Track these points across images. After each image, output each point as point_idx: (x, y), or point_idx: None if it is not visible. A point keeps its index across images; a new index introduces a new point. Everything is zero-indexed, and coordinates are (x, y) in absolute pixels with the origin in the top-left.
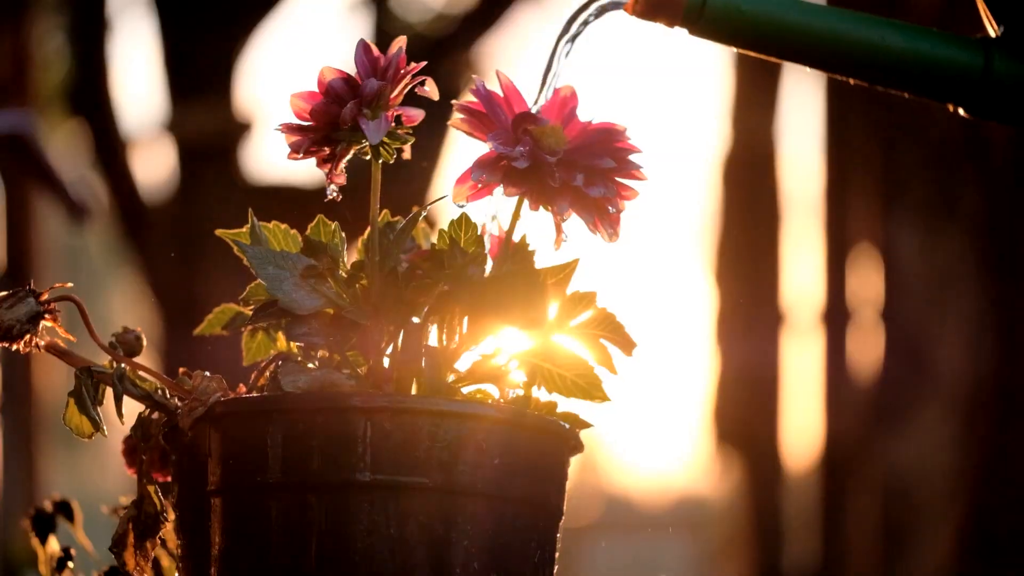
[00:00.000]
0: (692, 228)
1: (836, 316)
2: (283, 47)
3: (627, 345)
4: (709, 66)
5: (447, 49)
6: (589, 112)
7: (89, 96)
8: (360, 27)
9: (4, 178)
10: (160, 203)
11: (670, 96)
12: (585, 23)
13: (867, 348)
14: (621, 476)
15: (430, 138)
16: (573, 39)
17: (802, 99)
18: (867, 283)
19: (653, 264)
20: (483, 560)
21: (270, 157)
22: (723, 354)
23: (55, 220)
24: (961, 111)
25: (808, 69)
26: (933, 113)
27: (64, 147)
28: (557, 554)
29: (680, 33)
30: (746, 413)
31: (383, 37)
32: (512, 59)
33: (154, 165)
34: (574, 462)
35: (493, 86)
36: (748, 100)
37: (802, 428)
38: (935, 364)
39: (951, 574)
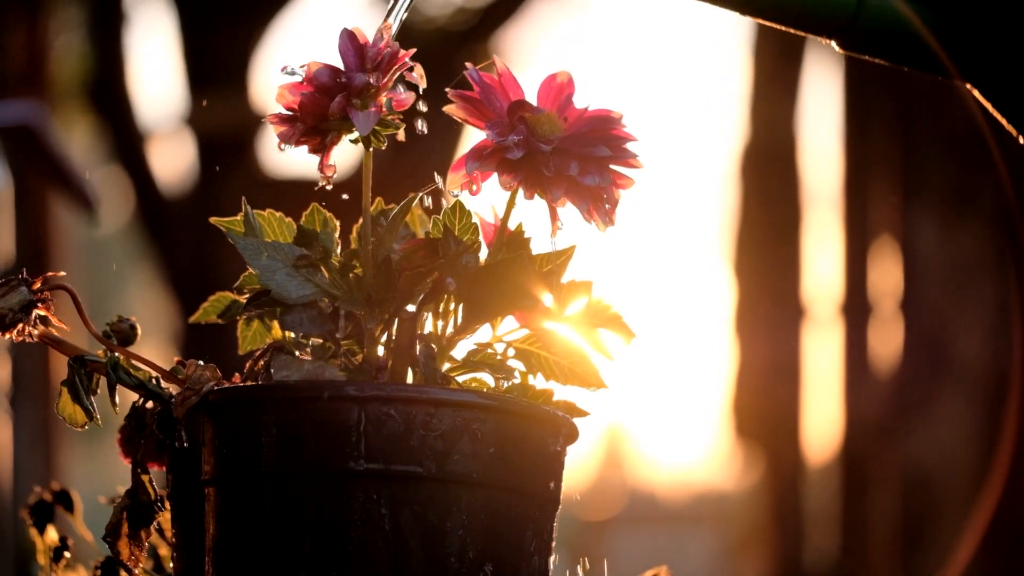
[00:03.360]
0: (712, 220)
1: (856, 308)
2: (302, 39)
3: (625, 334)
4: (728, 57)
5: (467, 41)
6: (585, 99)
7: (107, 90)
8: (379, 19)
9: (13, 169)
10: (178, 196)
11: (690, 88)
12: None
13: (887, 340)
14: (643, 470)
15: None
16: None
17: (822, 90)
18: (887, 275)
19: (673, 256)
20: (478, 549)
21: (288, 149)
22: (743, 347)
23: (66, 212)
24: (836, 46)
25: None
26: (953, 104)
27: (78, 140)
28: (554, 543)
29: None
30: (766, 406)
31: (403, 29)
32: (532, 51)
33: (172, 158)
34: (596, 456)
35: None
36: (767, 91)
37: (822, 421)
38: (955, 356)
39: (971, 567)
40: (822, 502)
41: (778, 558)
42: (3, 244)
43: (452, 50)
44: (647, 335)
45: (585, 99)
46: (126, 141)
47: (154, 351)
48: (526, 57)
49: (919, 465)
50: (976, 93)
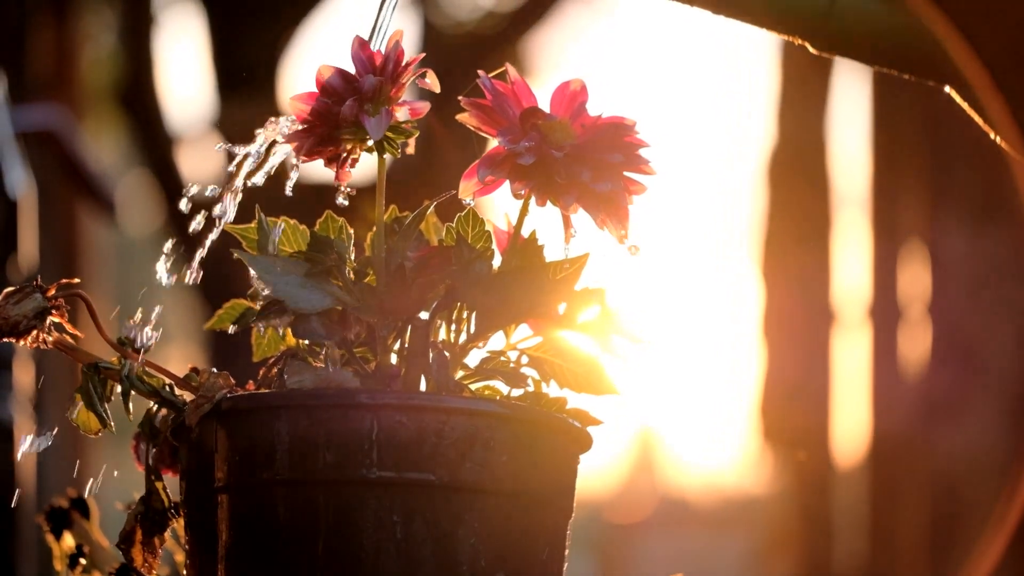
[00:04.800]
0: (740, 224)
1: (885, 312)
2: (330, 41)
3: (636, 340)
4: (757, 61)
5: (497, 46)
6: (599, 106)
7: (136, 94)
8: (408, 22)
9: (36, 175)
10: (208, 199)
11: (718, 91)
12: None
13: (916, 344)
14: (674, 474)
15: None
16: None
17: (850, 94)
18: (916, 279)
19: (701, 260)
20: (490, 557)
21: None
22: (772, 351)
23: (90, 218)
24: (809, 47)
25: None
26: None
27: (107, 144)
28: (567, 551)
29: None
30: (795, 410)
31: (431, 32)
32: (561, 55)
33: (201, 162)
34: (628, 460)
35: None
36: (796, 95)
37: (851, 425)
38: (984, 360)
39: (999, 571)
40: (851, 506)
41: (807, 562)
42: (27, 250)
43: (481, 55)
44: (676, 339)
45: (599, 106)
46: (155, 145)
47: (184, 356)
48: (555, 61)
49: (947, 469)
50: (954, 94)
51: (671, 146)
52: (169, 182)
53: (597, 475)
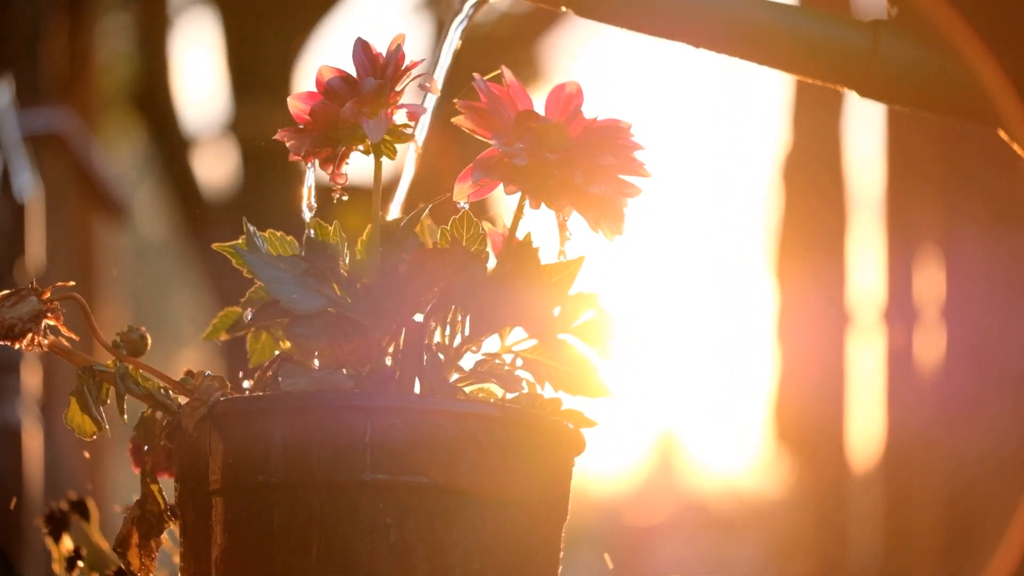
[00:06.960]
0: (756, 226)
1: (900, 314)
2: (347, 45)
3: (631, 344)
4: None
5: (511, 47)
6: (600, 108)
7: (152, 97)
8: (423, 24)
9: (44, 179)
10: (223, 202)
11: (734, 95)
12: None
13: (931, 346)
14: (692, 476)
15: None
16: (463, 21)
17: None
18: (931, 281)
19: (716, 263)
20: (484, 560)
21: None
22: (787, 354)
23: (99, 222)
24: (855, 93)
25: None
26: None
27: (122, 147)
28: (561, 554)
29: (566, 14)
30: (810, 412)
31: (444, 33)
32: (575, 57)
33: (217, 165)
34: (649, 463)
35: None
36: (812, 99)
37: (866, 428)
38: (999, 363)
39: (1017, 574)
40: (866, 509)
41: (823, 565)
42: (34, 253)
43: (495, 56)
44: (691, 343)
45: (599, 108)
46: (170, 148)
47: (200, 360)
48: (571, 63)
49: (963, 472)
50: (1004, 136)
51: (686, 149)
52: (182, 186)
53: (615, 478)
